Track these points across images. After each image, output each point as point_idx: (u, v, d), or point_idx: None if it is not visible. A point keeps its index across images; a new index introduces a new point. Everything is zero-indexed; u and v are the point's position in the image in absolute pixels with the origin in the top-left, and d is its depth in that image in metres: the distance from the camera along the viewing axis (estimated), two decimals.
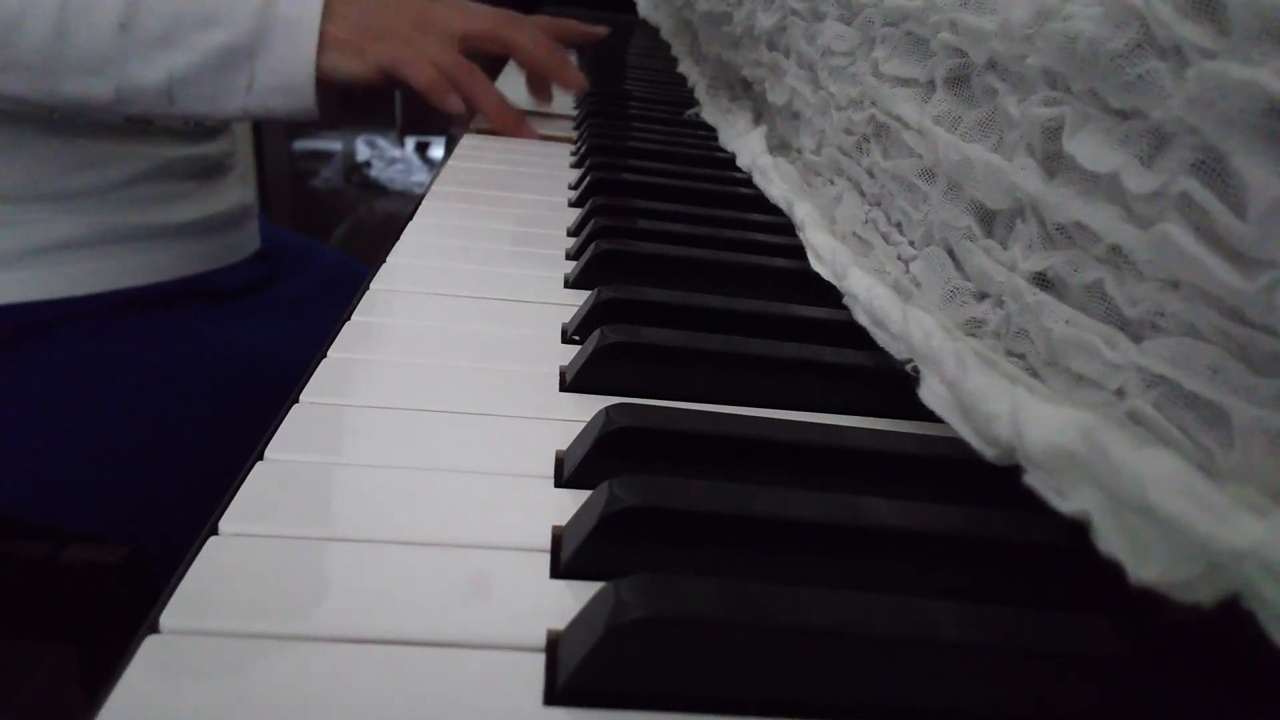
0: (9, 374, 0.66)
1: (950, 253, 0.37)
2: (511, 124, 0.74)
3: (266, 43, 0.62)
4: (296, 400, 0.32)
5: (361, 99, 0.72)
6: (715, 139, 0.73)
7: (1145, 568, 0.20)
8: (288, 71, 0.63)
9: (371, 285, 0.43)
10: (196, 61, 0.62)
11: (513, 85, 0.88)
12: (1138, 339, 0.26)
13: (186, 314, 0.73)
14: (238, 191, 0.83)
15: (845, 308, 0.39)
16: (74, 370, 0.67)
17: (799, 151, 0.58)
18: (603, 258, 0.46)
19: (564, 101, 0.96)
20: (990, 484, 0.27)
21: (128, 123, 0.71)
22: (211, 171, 0.79)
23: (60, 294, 0.69)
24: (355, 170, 2.81)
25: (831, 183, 0.51)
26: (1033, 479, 0.24)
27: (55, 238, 0.68)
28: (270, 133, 2.10)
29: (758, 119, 0.70)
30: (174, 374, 0.69)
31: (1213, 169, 0.23)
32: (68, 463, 0.65)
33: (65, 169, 0.69)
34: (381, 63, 0.65)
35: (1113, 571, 0.21)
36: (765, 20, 0.63)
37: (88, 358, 0.68)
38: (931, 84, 0.39)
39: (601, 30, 1.23)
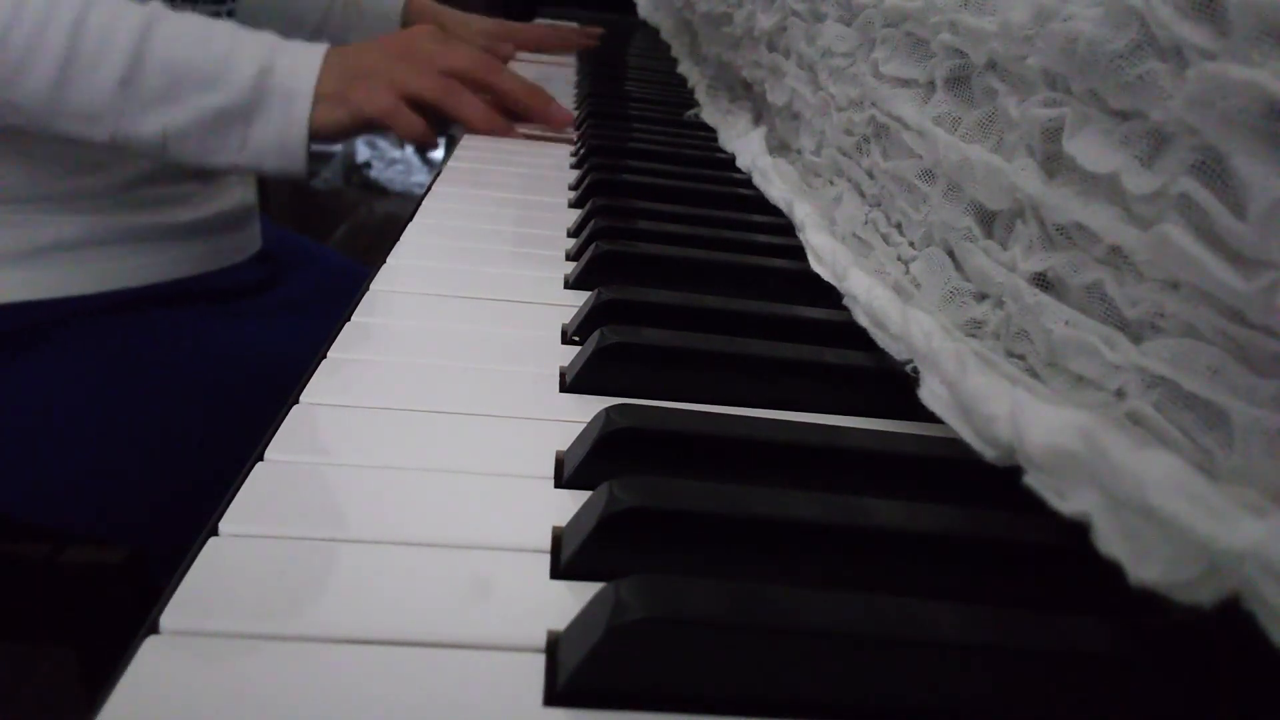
0: (11, 373, 0.66)
1: (950, 253, 0.37)
2: (499, 130, 0.74)
3: (262, 109, 0.64)
4: (296, 401, 0.32)
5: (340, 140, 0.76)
6: (715, 140, 0.73)
7: (1145, 568, 0.20)
8: (280, 136, 0.65)
9: (371, 286, 0.43)
10: (192, 120, 0.63)
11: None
12: (1138, 340, 0.26)
13: (188, 314, 0.73)
14: (239, 192, 0.83)
15: (845, 308, 0.39)
16: (75, 370, 0.67)
17: (799, 152, 0.58)
18: (603, 258, 0.46)
19: (562, 96, 0.96)
20: (990, 485, 0.27)
21: None
22: (213, 175, 0.79)
23: (63, 293, 0.69)
24: (355, 171, 2.81)
25: (831, 183, 0.51)
26: (1033, 479, 0.24)
27: (58, 238, 0.69)
28: None
29: (758, 120, 0.70)
30: (175, 374, 0.69)
31: (1213, 170, 0.23)
32: (68, 462, 0.65)
33: (68, 171, 0.69)
34: (361, 109, 0.67)
35: (1113, 572, 0.21)
36: (765, 21, 0.63)
37: (89, 358, 0.68)
38: (931, 85, 0.39)
39: (597, 31, 1.24)
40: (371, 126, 0.68)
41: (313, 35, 0.99)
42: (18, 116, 0.62)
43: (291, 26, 0.97)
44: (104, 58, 0.61)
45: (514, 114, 0.75)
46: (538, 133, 0.76)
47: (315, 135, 0.66)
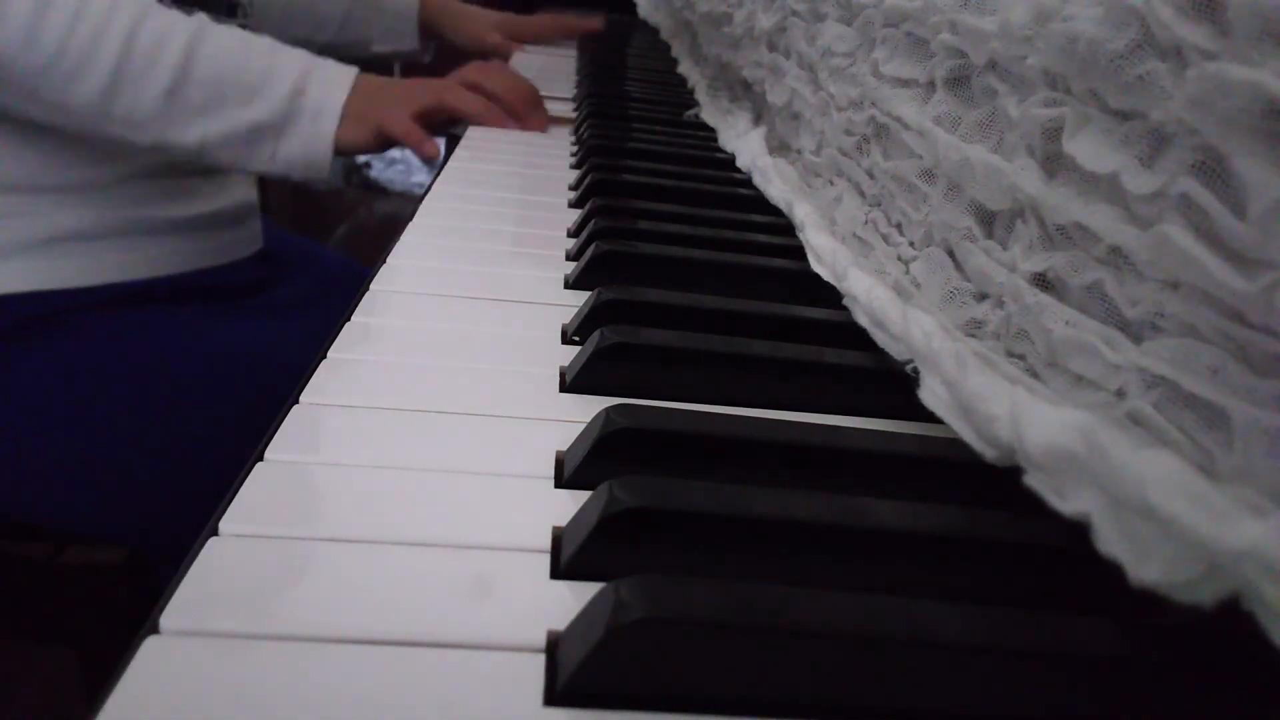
0: (11, 365, 0.66)
1: (950, 253, 0.37)
2: (493, 116, 0.77)
3: (294, 124, 0.69)
4: (296, 401, 0.32)
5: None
6: (715, 140, 0.73)
7: (1145, 568, 0.20)
8: (308, 149, 0.70)
9: (372, 286, 0.43)
10: (229, 131, 0.68)
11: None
12: (1138, 340, 0.26)
13: (188, 311, 0.74)
14: (242, 190, 0.83)
15: (845, 308, 0.39)
16: (76, 365, 0.68)
17: (799, 152, 0.58)
18: (603, 258, 0.46)
19: (563, 85, 0.97)
20: (990, 485, 0.27)
21: None
22: (215, 170, 0.80)
23: (65, 284, 0.69)
24: (355, 171, 2.81)
25: (831, 183, 0.51)
26: (1033, 480, 0.24)
27: (61, 229, 0.70)
28: None
29: (758, 120, 0.70)
30: (175, 372, 0.69)
31: (1213, 170, 0.23)
32: (68, 459, 0.65)
33: (72, 162, 0.70)
34: (381, 128, 0.72)
35: (1113, 572, 0.21)
36: (765, 21, 0.63)
37: (91, 352, 0.68)
38: (931, 85, 0.39)
39: (596, 23, 1.26)
40: (390, 145, 0.73)
41: (336, 33, 1.03)
42: (67, 118, 0.66)
43: (316, 25, 1.01)
44: (153, 69, 0.65)
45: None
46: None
47: (339, 151, 0.71)
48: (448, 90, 0.76)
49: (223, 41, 0.67)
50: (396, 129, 0.72)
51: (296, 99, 0.69)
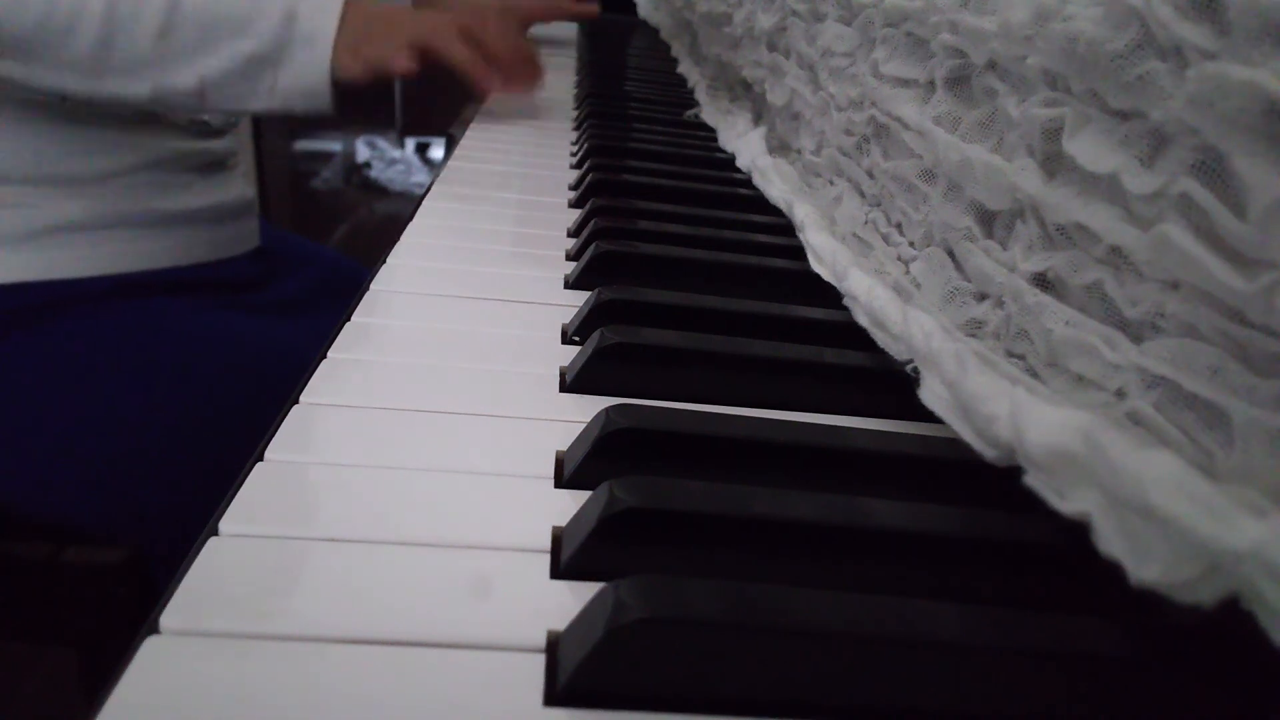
0: (8, 357, 0.66)
1: (950, 253, 0.37)
2: (481, 74, 0.76)
3: (289, 52, 0.69)
4: (296, 401, 0.32)
5: (361, 94, 0.82)
6: (715, 140, 0.73)
7: (1145, 568, 0.20)
8: (306, 77, 0.69)
9: (371, 286, 0.43)
10: (226, 67, 0.68)
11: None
12: (1138, 340, 0.26)
13: (186, 305, 0.74)
14: (239, 186, 0.84)
15: (845, 308, 0.39)
16: (75, 358, 0.68)
17: (799, 152, 0.58)
18: (603, 258, 0.46)
19: (563, 85, 0.97)
20: (990, 485, 0.27)
21: (135, 114, 0.73)
22: (214, 166, 0.80)
23: (62, 275, 0.70)
24: (355, 171, 2.81)
25: (831, 183, 0.51)
26: (1033, 480, 0.24)
27: (58, 220, 0.70)
28: (270, 133, 2.10)
29: (757, 120, 0.70)
30: (173, 366, 0.69)
31: (1213, 169, 0.23)
32: (66, 453, 0.65)
33: (71, 153, 0.70)
34: (376, 57, 0.71)
35: (1113, 572, 0.21)
36: (765, 21, 0.63)
37: (89, 344, 0.68)
38: (931, 85, 0.39)
39: (594, 9, 1.26)
40: (385, 72, 0.72)
41: None
42: (68, 78, 0.65)
43: None
44: (142, 12, 0.64)
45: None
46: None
47: (335, 81, 0.70)
48: (439, 33, 0.75)
49: None
50: (389, 63, 0.71)
51: (289, 26, 0.68)
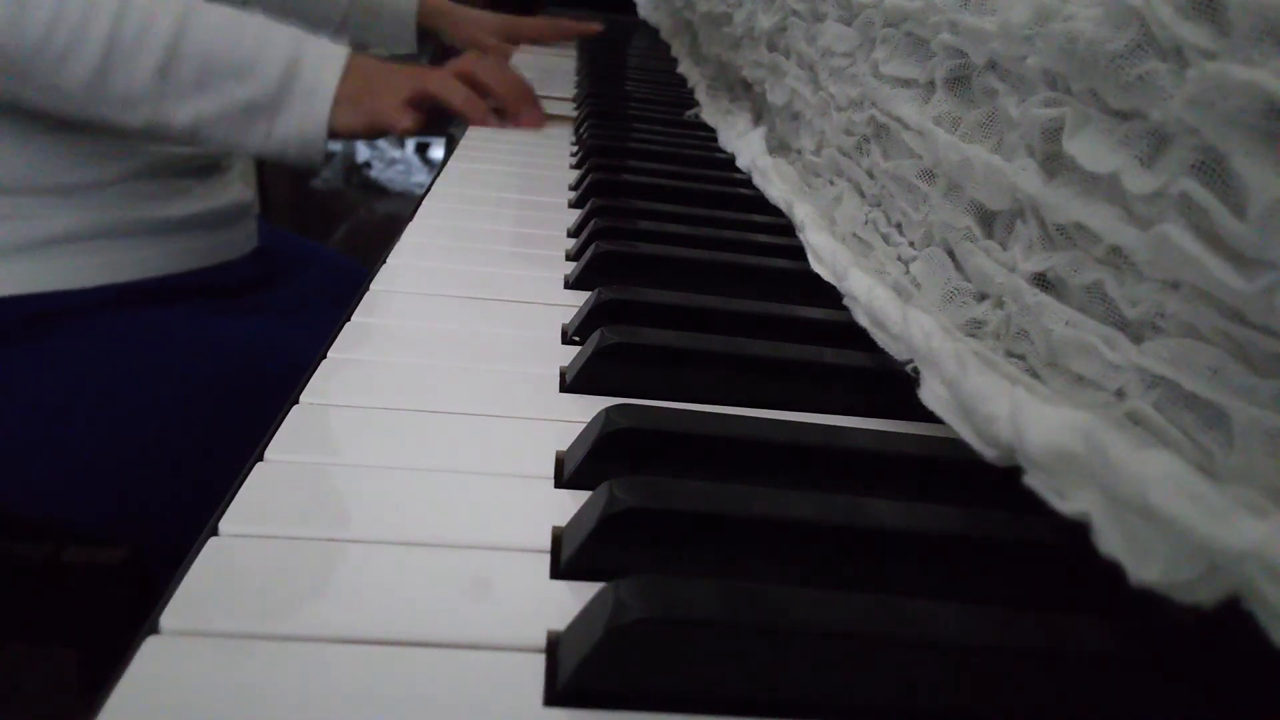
0: (10, 367, 0.66)
1: (950, 253, 0.37)
2: (480, 112, 0.77)
3: (288, 102, 0.68)
4: (296, 401, 0.32)
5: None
6: (715, 140, 0.73)
7: (1145, 568, 0.20)
8: (303, 129, 0.69)
9: (371, 286, 0.43)
10: (223, 109, 0.67)
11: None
12: (1138, 340, 0.26)
13: (185, 310, 0.74)
14: (236, 189, 0.83)
15: (845, 308, 0.39)
16: (74, 366, 0.68)
17: (799, 152, 0.58)
18: (603, 258, 0.46)
19: (563, 85, 0.97)
20: (990, 485, 0.27)
21: None
22: (210, 170, 0.80)
23: (59, 286, 0.69)
24: (355, 171, 2.81)
25: (831, 183, 0.51)
26: (1033, 480, 0.24)
27: (54, 230, 0.69)
28: None
29: (758, 120, 0.70)
30: (173, 372, 0.69)
31: (1213, 169, 0.23)
32: (67, 457, 0.65)
33: (65, 163, 0.70)
34: (376, 116, 0.72)
35: (1113, 572, 0.21)
36: (765, 21, 0.63)
37: (88, 353, 0.68)
38: (931, 85, 0.39)
39: (596, 26, 1.26)
40: (383, 132, 0.73)
41: (334, 35, 1.03)
42: (61, 102, 0.65)
43: (312, 27, 1.00)
44: (143, 46, 0.64)
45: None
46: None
47: (333, 132, 0.70)
48: (437, 79, 0.75)
49: (214, 18, 0.67)
50: (389, 118, 0.72)
51: (290, 77, 0.68)
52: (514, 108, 0.79)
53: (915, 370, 0.33)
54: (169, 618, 0.22)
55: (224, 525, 0.25)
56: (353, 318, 0.39)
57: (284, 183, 2.28)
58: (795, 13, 0.59)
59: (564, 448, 0.31)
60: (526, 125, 0.81)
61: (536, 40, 1.24)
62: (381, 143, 2.86)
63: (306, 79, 0.69)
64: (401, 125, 0.72)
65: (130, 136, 0.69)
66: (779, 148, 0.62)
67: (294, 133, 0.69)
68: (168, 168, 0.75)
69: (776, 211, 0.53)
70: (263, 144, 0.69)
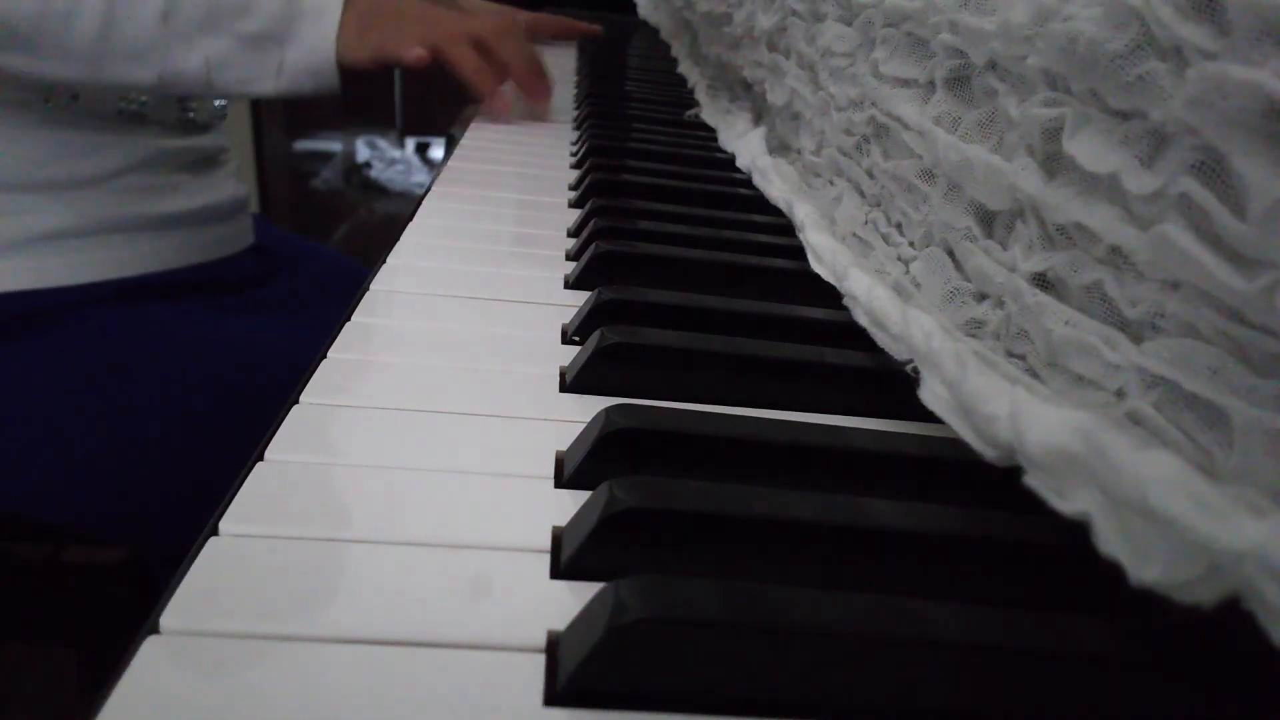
0: (6, 364, 0.66)
1: (950, 253, 0.37)
2: (487, 85, 0.76)
3: (294, 31, 0.68)
4: (296, 401, 0.32)
5: (362, 81, 0.81)
6: (715, 140, 0.73)
7: (1145, 568, 0.20)
8: (313, 57, 0.69)
9: (371, 286, 0.43)
10: (231, 47, 0.67)
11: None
12: (1138, 340, 0.26)
13: (182, 307, 0.74)
14: (230, 185, 0.83)
15: (845, 308, 0.39)
16: (73, 363, 0.68)
17: (799, 152, 0.58)
18: (603, 258, 0.46)
19: (563, 85, 0.97)
20: (990, 485, 0.27)
21: (120, 115, 0.73)
22: (204, 164, 0.80)
23: (54, 283, 0.69)
24: (355, 171, 2.81)
25: (831, 183, 0.51)
26: (1033, 480, 0.24)
27: (47, 227, 0.69)
28: (270, 133, 2.10)
29: (758, 120, 0.70)
30: (171, 369, 0.69)
31: (1213, 169, 0.23)
32: (66, 457, 0.65)
33: (58, 158, 0.70)
34: (384, 45, 0.71)
35: (1113, 572, 0.21)
36: (765, 21, 0.63)
37: (87, 351, 0.68)
38: (931, 85, 0.39)
39: (597, 28, 1.26)
40: (391, 63, 0.72)
41: None
42: (70, 64, 0.65)
43: None
44: None
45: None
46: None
47: (342, 61, 0.70)
48: (450, 40, 0.74)
49: None
50: (398, 47, 0.71)
51: (293, 2, 0.68)
52: (525, 80, 0.79)
53: (915, 370, 0.33)
54: (169, 618, 0.22)
55: (224, 525, 0.25)
56: (353, 317, 0.39)
57: (284, 182, 2.28)
58: (795, 13, 0.59)
59: (564, 448, 0.31)
60: (533, 99, 0.80)
61: (544, 36, 1.24)
62: (381, 142, 2.86)
63: (311, 3, 0.68)
64: (410, 55, 0.71)
65: (146, 93, 0.69)
66: (779, 148, 0.62)
67: (305, 61, 0.69)
68: (160, 161, 0.75)
69: (776, 211, 0.53)
70: (276, 79, 0.69)
